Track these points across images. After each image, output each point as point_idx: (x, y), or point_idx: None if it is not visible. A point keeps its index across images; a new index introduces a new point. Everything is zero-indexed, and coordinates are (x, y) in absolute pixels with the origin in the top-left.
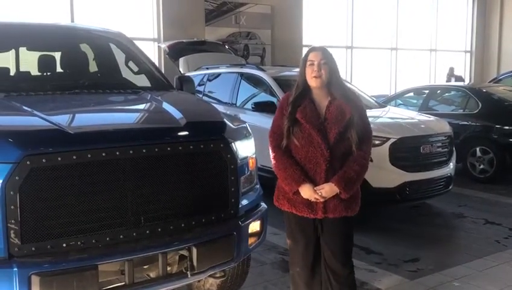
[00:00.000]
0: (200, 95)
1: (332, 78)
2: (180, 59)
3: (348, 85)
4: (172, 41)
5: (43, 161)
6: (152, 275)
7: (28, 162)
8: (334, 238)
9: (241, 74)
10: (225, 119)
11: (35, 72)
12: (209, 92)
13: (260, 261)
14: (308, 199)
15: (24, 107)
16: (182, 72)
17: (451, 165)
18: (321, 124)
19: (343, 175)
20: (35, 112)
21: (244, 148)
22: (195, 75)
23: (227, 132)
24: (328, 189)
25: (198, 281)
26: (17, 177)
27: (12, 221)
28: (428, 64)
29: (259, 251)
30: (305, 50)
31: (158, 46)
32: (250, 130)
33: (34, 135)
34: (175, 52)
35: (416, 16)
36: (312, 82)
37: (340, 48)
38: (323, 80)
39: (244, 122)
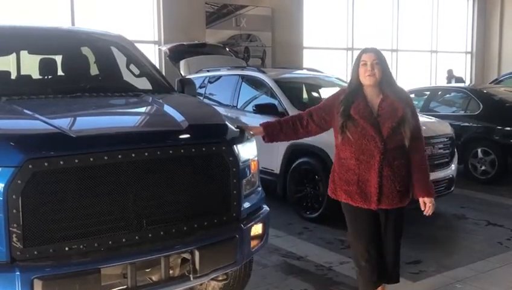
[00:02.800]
0: (201, 98)
1: (384, 78)
2: (181, 62)
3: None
4: (173, 43)
5: (45, 164)
6: (154, 278)
7: (30, 166)
8: (389, 228)
9: (242, 76)
10: (227, 122)
11: (36, 75)
12: (210, 94)
13: (262, 264)
14: (363, 189)
15: (26, 111)
16: (183, 74)
17: (453, 166)
18: (375, 119)
19: (425, 185)
20: (37, 116)
21: (246, 151)
22: (196, 77)
23: (229, 134)
24: (429, 204)
25: (201, 284)
26: (19, 181)
27: (15, 225)
28: (429, 66)
29: (261, 254)
30: (305, 52)
31: (159, 48)
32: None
33: (36, 139)
34: (176, 55)
35: (417, 17)
36: (366, 80)
37: (340, 50)
38: (376, 78)
39: (246, 124)
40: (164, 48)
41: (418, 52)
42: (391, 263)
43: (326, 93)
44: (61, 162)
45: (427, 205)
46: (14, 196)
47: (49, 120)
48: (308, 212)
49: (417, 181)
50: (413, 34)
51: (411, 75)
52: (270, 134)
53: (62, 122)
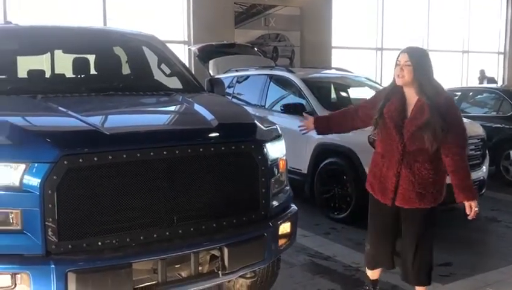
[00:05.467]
0: (229, 97)
1: (417, 79)
2: (209, 62)
3: (442, 88)
4: (202, 44)
5: (80, 160)
6: (183, 274)
7: (65, 162)
8: (408, 228)
9: (270, 76)
10: (256, 121)
11: (68, 74)
12: (238, 94)
13: (289, 263)
14: (383, 185)
15: (61, 108)
16: (212, 74)
17: (484, 168)
18: (401, 120)
19: (463, 188)
20: (72, 113)
21: (275, 150)
22: (225, 77)
23: (258, 133)
24: (475, 208)
25: (229, 281)
26: (55, 177)
27: (50, 219)
28: (461, 66)
29: (288, 253)
30: (334, 51)
31: (188, 48)
32: (280, 132)
33: (71, 136)
34: (205, 55)
35: (448, 17)
36: (397, 81)
37: (370, 50)
38: (405, 79)
39: (275, 123)
40: (193, 48)
41: (450, 52)
42: (409, 262)
43: (355, 93)
44: (95, 159)
45: (471, 209)
46: (49, 191)
47: (83, 117)
48: (335, 213)
49: (455, 186)
50: (445, 34)
51: (442, 76)
52: (319, 127)
53: (96, 120)
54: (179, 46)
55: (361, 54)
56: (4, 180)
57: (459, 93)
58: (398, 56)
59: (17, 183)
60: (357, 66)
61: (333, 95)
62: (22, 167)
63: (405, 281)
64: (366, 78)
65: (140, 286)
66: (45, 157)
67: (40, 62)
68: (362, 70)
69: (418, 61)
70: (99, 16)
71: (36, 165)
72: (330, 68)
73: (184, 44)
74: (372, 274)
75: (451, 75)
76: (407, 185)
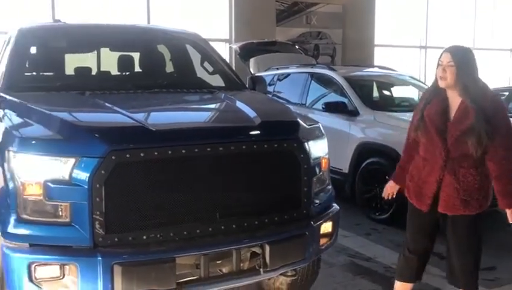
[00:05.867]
0: (270, 95)
1: (460, 81)
2: (250, 59)
3: (489, 89)
4: (243, 42)
5: (127, 156)
6: (224, 270)
7: (113, 157)
8: (453, 235)
9: (312, 74)
10: (298, 119)
11: (114, 71)
12: (279, 92)
13: (329, 263)
14: (420, 189)
15: (108, 105)
16: (252, 72)
17: None
18: (443, 124)
19: (506, 196)
20: (119, 110)
21: (317, 148)
22: (266, 75)
23: (301, 131)
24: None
25: (269, 279)
26: (103, 171)
27: (98, 212)
28: (509, 65)
29: (328, 253)
30: (377, 50)
31: (229, 46)
32: (323, 130)
33: (119, 131)
34: (246, 53)
35: (496, 14)
36: (439, 83)
37: (413, 48)
38: (448, 82)
39: (317, 122)
40: (235, 46)
41: (497, 50)
42: (457, 267)
43: (399, 92)
44: (142, 154)
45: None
46: (97, 185)
47: (130, 114)
48: (377, 213)
49: (497, 192)
50: (492, 32)
51: (489, 75)
52: (402, 182)
53: (142, 116)
54: (221, 44)
55: (405, 52)
56: (54, 174)
57: (506, 93)
58: (440, 56)
59: (66, 177)
60: (400, 64)
61: (376, 93)
62: (72, 161)
63: (452, 285)
64: (410, 76)
65: (183, 280)
66: (94, 152)
67: (85, 59)
68: (405, 69)
69: (462, 60)
70: (143, 14)
71: (85, 159)
72: (373, 66)
73: (225, 42)
74: (401, 288)
75: (498, 74)
76: (451, 191)
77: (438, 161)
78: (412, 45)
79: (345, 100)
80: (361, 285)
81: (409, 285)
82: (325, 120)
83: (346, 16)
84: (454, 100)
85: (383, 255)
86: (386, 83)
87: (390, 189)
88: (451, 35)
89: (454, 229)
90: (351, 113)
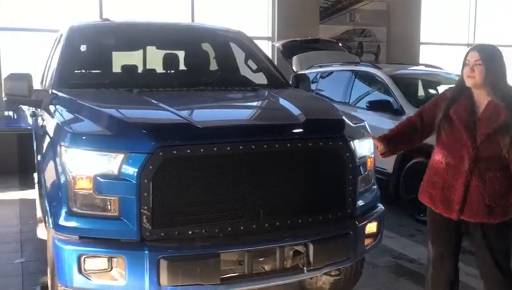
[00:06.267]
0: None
1: (489, 79)
2: (293, 57)
3: None
4: (286, 40)
5: (174, 152)
6: (266, 268)
7: (161, 153)
8: (479, 245)
9: (355, 72)
10: (344, 117)
11: (159, 69)
12: (321, 90)
13: (373, 264)
14: (447, 196)
15: (155, 102)
16: (295, 70)
17: None
18: (472, 122)
19: None
20: (166, 107)
21: (363, 147)
22: (308, 73)
23: (347, 129)
24: None
25: (311, 278)
26: (150, 167)
27: (145, 207)
28: None
29: (372, 253)
30: (422, 47)
31: (272, 44)
32: (369, 129)
33: (166, 128)
34: (288, 51)
35: None
36: (466, 82)
37: (460, 46)
38: (476, 81)
39: (363, 120)
40: (277, 44)
41: None
42: (493, 278)
43: None
44: (188, 151)
45: None
46: (145, 180)
47: (177, 111)
48: (422, 215)
49: None
50: None
51: None
52: (388, 149)
53: (188, 114)
54: (263, 42)
55: (451, 50)
56: (104, 169)
57: None
58: (467, 55)
59: (115, 172)
60: (447, 62)
61: (422, 92)
62: (121, 156)
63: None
64: (457, 75)
65: (227, 276)
66: (143, 148)
67: (130, 57)
68: (452, 68)
69: (490, 59)
70: (187, 13)
71: (134, 155)
72: (418, 65)
73: (268, 40)
74: None
75: None
76: (476, 196)
77: (465, 162)
78: (458, 43)
79: (390, 99)
80: (406, 287)
81: None
82: (369, 119)
83: (391, 13)
84: (481, 99)
85: (427, 257)
86: (432, 82)
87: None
88: (499, 32)
89: (480, 239)
90: (396, 112)
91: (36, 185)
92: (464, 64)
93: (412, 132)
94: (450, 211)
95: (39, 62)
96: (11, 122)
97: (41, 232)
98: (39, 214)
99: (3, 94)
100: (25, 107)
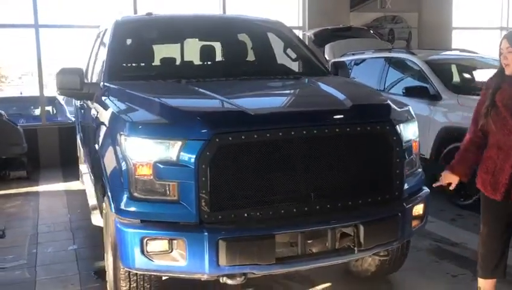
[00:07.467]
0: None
1: None
2: (326, 46)
3: None
4: (317, 28)
5: (230, 138)
6: (314, 250)
7: (217, 140)
8: None
9: (389, 59)
10: (389, 102)
11: (196, 61)
12: (355, 77)
13: (416, 247)
14: (495, 180)
15: (205, 92)
16: (328, 59)
17: None
18: None
19: None
20: (217, 96)
21: (408, 131)
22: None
23: (393, 114)
24: None
25: (356, 260)
26: (208, 153)
27: (203, 191)
28: None
29: (414, 237)
30: (454, 33)
31: (303, 34)
32: (413, 113)
33: (221, 116)
34: (320, 40)
35: None
36: (505, 70)
37: (493, 30)
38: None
39: (407, 105)
40: (309, 33)
41: None
42: None
43: (483, 76)
44: (243, 137)
45: None
46: (203, 166)
47: (228, 99)
48: (461, 199)
49: None
50: None
51: None
52: (462, 173)
53: (240, 102)
54: (295, 32)
55: (484, 35)
56: (163, 156)
57: None
58: (500, 43)
59: (174, 159)
60: (480, 47)
61: (458, 77)
62: (179, 143)
63: None
64: (494, 59)
65: (281, 257)
66: (200, 135)
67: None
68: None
69: None
70: (218, 4)
71: (191, 142)
72: (451, 50)
73: (299, 30)
74: (485, 285)
75: None
76: None
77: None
78: (491, 27)
79: (426, 84)
80: (449, 269)
81: (493, 281)
82: None
83: None
84: None
85: (468, 240)
86: (467, 66)
87: (448, 179)
88: None
89: None
90: (432, 97)
91: (84, 176)
92: (499, 54)
93: (479, 147)
94: (495, 193)
95: (71, 57)
96: (50, 116)
97: (97, 219)
98: (92, 202)
99: (55, 88)
100: (62, 102)
